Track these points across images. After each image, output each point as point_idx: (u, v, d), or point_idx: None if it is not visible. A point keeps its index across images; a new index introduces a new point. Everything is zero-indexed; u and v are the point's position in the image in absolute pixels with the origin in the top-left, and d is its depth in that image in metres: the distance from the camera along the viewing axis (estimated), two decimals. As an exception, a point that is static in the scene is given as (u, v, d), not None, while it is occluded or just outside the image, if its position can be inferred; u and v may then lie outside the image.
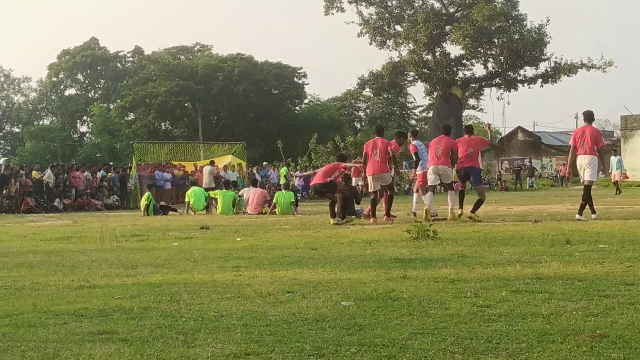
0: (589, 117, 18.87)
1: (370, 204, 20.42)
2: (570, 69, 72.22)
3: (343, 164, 21.57)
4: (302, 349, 5.50)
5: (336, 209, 19.97)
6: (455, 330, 5.95)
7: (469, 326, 6.10)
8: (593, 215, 18.31)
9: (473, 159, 19.69)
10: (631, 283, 7.97)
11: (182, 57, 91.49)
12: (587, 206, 18.45)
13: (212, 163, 36.09)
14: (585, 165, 18.34)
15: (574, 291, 7.58)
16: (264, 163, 50.65)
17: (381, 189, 20.48)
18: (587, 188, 18.45)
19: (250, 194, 27.05)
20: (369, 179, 20.19)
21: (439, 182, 20.01)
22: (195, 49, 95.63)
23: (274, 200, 26.84)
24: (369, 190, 20.64)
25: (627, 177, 58.53)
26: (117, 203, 39.18)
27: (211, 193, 30.11)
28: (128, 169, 42.05)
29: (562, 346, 5.38)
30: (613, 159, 41.06)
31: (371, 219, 19.87)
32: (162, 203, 33.41)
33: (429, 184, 19.94)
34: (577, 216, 18.23)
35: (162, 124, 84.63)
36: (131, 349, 5.63)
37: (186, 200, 29.89)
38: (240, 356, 5.36)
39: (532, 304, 6.98)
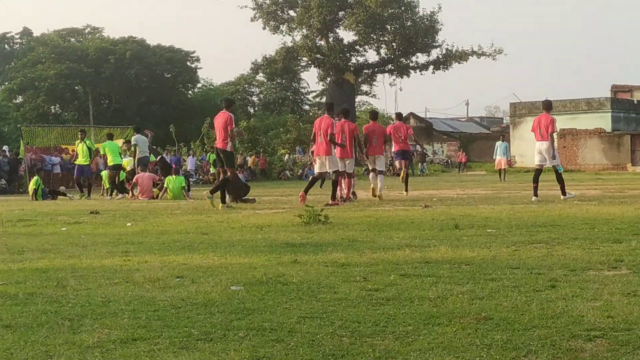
0: (546, 105, 20.22)
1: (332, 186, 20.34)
2: (461, 56, 73.39)
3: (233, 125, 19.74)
4: (190, 333, 5.46)
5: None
6: (343, 314, 5.98)
7: (357, 310, 6.14)
8: (563, 197, 19.28)
9: (406, 143, 23.63)
10: (516, 267, 8.12)
11: (73, 40, 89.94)
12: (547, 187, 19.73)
13: (128, 143, 34.38)
14: (544, 151, 19.39)
15: (461, 275, 7.70)
16: (153, 147, 50.08)
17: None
18: (558, 172, 19.58)
19: (138, 180, 26.63)
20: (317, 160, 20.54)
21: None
22: (86, 31, 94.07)
23: (165, 185, 26.57)
24: (316, 171, 20.66)
25: (514, 163, 59.79)
26: (4, 187, 38.35)
27: (103, 174, 29.79)
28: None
29: (447, 329, 5.45)
30: (499, 145, 41.24)
31: (331, 202, 19.33)
32: (62, 188, 32.86)
33: (370, 167, 22.18)
34: (563, 197, 19.19)
35: (52, 107, 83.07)
36: (15, 336, 5.51)
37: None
38: (127, 342, 5.29)
39: (420, 287, 7.06)
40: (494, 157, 41.78)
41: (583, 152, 64.11)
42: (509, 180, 39.54)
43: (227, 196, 19.74)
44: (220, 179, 20.25)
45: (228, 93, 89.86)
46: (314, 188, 20.77)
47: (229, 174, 19.94)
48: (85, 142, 28.99)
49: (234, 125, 19.49)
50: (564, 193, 19.30)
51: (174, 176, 27.02)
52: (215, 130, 19.90)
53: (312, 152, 21.20)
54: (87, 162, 28.94)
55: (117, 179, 28.36)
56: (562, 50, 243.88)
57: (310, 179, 21.04)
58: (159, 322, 5.83)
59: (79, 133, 30.34)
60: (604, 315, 5.74)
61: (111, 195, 28.28)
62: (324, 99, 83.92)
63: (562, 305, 6.13)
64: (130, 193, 26.92)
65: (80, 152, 28.74)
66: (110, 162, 28.48)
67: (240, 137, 22.33)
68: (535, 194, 19.35)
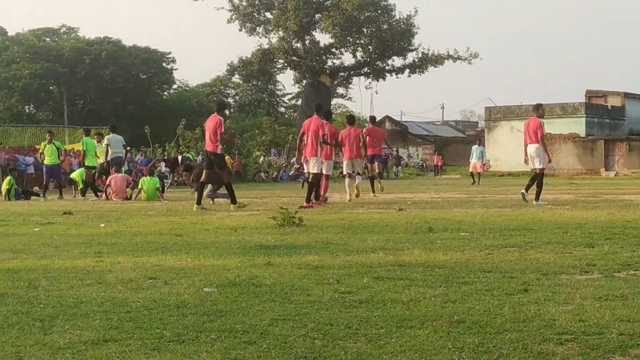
0: (535, 108, 20.78)
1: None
2: (437, 60, 73.55)
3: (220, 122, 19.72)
4: (161, 335, 5.45)
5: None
6: (316, 317, 5.98)
7: (330, 312, 6.14)
8: (535, 202, 19.34)
9: (378, 148, 24.81)
10: (489, 270, 8.14)
11: (48, 39, 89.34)
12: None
13: (99, 135, 32.57)
14: (533, 154, 19.76)
15: (434, 278, 7.71)
16: (127, 148, 49.94)
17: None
18: (539, 175, 19.77)
19: (112, 181, 26.41)
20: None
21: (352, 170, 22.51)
22: (62, 31, 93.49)
23: (139, 186, 26.47)
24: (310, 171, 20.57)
25: (488, 168, 59.96)
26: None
27: (75, 175, 29.52)
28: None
29: (419, 332, 5.46)
30: (475, 149, 41.50)
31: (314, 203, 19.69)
32: (36, 188, 32.55)
33: (345, 172, 23.00)
34: (535, 202, 19.28)
35: (26, 107, 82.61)
36: (-15, 336, 5.48)
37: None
38: (98, 343, 5.27)
39: (393, 290, 7.06)
40: (470, 160, 42.02)
41: (557, 157, 64.28)
42: (483, 184, 39.69)
43: (204, 198, 19.90)
44: (200, 180, 20.17)
45: (204, 94, 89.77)
46: (296, 190, 20.69)
47: (224, 177, 20.04)
48: (53, 143, 28.36)
49: (223, 129, 19.48)
50: (537, 199, 19.39)
51: (148, 177, 26.87)
52: (205, 134, 19.89)
53: (300, 151, 21.18)
54: (56, 162, 28.52)
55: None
56: (537, 55, 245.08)
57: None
58: (131, 324, 5.81)
59: (47, 134, 29.70)
60: (575, 319, 5.77)
61: (84, 195, 28.00)
62: (299, 102, 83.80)
63: (534, 308, 6.15)
64: (104, 194, 26.75)
65: (47, 153, 28.17)
66: (87, 162, 28.08)
67: (232, 139, 22.35)
68: (526, 190, 20.01)
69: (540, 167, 19.64)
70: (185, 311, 6.25)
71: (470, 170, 42.03)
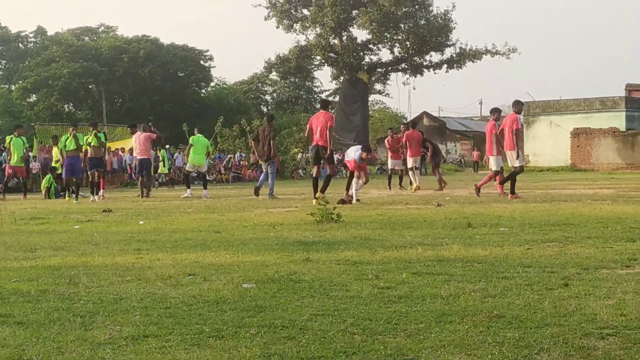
0: None
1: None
2: (475, 55, 73.36)
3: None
4: (201, 330, 5.46)
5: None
6: (355, 312, 5.97)
7: (369, 307, 6.13)
8: None
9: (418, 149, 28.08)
10: (529, 265, 8.10)
11: (86, 39, 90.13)
12: None
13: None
14: None
15: (474, 273, 7.68)
16: (167, 146, 50.25)
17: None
18: None
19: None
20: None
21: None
22: (100, 30, 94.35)
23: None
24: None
25: (528, 162, 59.54)
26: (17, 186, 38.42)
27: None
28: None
29: (459, 326, 5.43)
30: None
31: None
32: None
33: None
34: None
35: (66, 105, 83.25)
36: (27, 332, 5.52)
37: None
38: (138, 338, 5.30)
39: (432, 285, 7.05)
40: None
41: (597, 152, 63.90)
42: (523, 179, 39.43)
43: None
44: (327, 174, 20.37)
45: (241, 92, 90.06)
46: (334, 187, 20.51)
47: (328, 170, 20.66)
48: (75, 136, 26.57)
49: (333, 125, 20.19)
50: None
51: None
52: (314, 128, 20.01)
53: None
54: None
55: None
56: (575, 50, 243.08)
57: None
58: (171, 319, 5.83)
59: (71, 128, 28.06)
60: (617, 313, 5.72)
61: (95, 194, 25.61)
62: (337, 98, 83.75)
63: (574, 303, 6.11)
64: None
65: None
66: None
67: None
68: None
69: None
70: (224, 307, 6.26)
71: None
